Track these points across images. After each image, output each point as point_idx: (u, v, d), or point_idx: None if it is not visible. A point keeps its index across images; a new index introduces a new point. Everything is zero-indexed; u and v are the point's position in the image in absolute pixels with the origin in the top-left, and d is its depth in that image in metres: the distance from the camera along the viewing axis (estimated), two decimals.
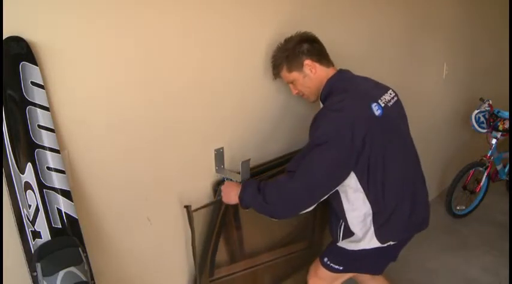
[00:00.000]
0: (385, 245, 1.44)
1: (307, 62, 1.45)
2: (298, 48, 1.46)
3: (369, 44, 2.18)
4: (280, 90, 1.75)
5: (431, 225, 1.56)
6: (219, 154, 1.55)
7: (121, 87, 1.22)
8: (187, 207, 1.39)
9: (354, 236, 1.45)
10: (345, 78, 1.46)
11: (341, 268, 1.54)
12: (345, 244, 1.50)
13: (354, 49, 2.06)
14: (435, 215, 2.27)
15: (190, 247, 1.47)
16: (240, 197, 1.39)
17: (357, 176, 1.34)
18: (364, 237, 1.44)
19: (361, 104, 1.33)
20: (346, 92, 1.37)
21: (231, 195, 1.42)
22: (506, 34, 3.27)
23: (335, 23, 1.92)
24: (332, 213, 1.52)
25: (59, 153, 1.08)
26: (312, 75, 1.46)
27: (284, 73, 1.53)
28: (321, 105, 1.46)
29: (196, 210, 1.41)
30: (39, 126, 1.05)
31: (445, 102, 3.06)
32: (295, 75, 1.49)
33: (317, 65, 1.46)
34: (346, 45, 1.97)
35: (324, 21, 1.83)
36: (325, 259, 1.56)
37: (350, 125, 1.27)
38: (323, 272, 1.58)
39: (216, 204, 1.50)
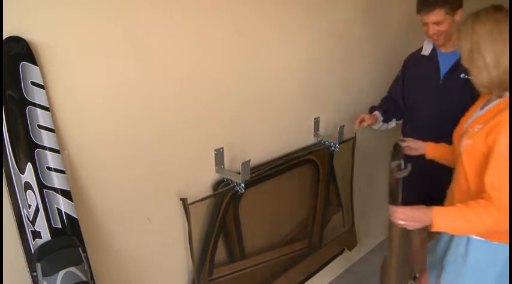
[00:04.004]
0: None
1: (460, 11, 1.71)
2: None
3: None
4: (280, 90, 1.75)
5: None
6: (219, 154, 1.55)
7: (121, 87, 1.22)
8: (183, 200, 1.40)
9: None
10: None
11: None
12: None
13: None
14: None
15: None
16: None
17: None
18: None
19: None
20: None
21: None
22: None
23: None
24: None
25: (59, 153, 1.08)
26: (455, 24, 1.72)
27: (438, 12, 1.69)
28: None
29: (193, 203, 1.41)
30: (39, 126, 1.05)
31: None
32: (448, 18, 1.70)
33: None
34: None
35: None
36: None
37: None
38: None
39: (212, 198, 1.50)
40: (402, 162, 1.48)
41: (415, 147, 1.64)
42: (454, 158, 1.40)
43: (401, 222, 1.31)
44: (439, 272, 1.45)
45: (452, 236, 1.40)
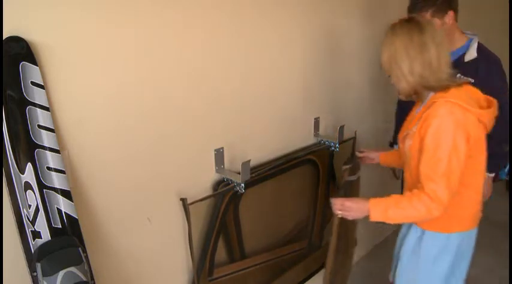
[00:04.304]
0: None
1: (451, 13, 1.67)
2: None
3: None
4: (280, 89, 1.75)
5: None
6: (219, 154, 1.55)
7: (121, 87, 1.22)
8: (183, 200, 1.40)
9: None
10: None
11: None
12: None
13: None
14: None
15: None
16: None
17: None
18: None
19: None
20: None
21: None
22: (506, 36, 3.27)
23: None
24: None
25: (59, 153, 1.08)
26: (447, 26, 1.72)
27: (424, 14, 1.70)
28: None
29: (193, 203, 1.41)
30: (39, 126, 1.05)
31: None
32: (436, 21, 1.69)
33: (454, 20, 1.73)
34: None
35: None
36: None
37: None
38: None
39: (212, 198, 1.51)
40: (356, 167, 1.73)
41: (372, 156, 1.78)
42: (403, 161, 1.48)
43: (339, 212, 1.40)
44: (396, 263, 1.54)
45: (408, 228, 1.47)
